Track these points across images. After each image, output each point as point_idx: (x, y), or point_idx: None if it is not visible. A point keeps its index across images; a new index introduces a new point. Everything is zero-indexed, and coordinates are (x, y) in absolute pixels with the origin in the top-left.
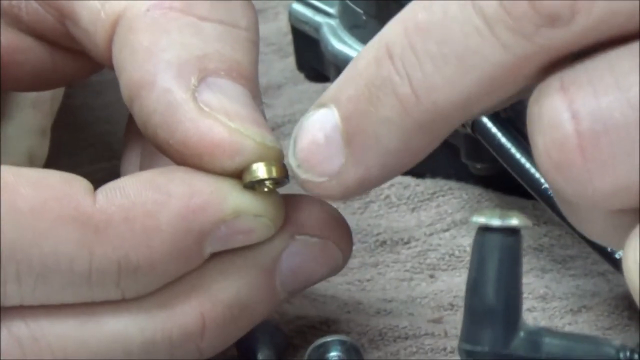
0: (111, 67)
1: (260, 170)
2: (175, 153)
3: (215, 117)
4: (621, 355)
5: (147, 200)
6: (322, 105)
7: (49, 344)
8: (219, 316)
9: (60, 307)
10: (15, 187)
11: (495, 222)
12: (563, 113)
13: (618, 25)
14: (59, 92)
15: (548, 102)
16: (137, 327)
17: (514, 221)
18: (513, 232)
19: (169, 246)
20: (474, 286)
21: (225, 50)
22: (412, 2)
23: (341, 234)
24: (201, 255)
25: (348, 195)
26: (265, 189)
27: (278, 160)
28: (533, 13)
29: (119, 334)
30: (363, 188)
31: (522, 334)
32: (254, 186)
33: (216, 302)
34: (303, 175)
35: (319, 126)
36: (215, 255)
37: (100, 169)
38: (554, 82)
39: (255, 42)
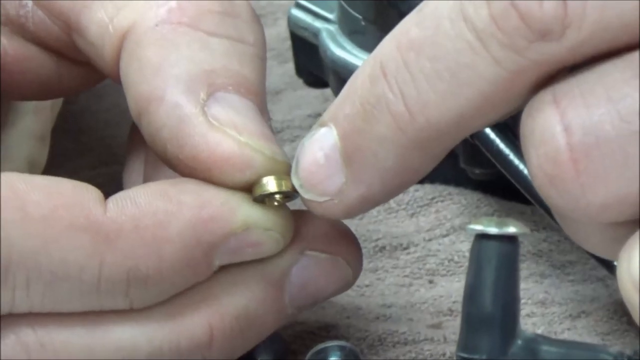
0: (118, 81)
1: (270, 184)
2: (184, 168)
3: (225, 131)
4: None
5: (157, 210)
6: (322, 124)
7: (55, 351)
8: (227, 328)
9: (68, 315)
10: (26, 195)
11: (493, 230)
12: (555, 126)
13: (609, 38)
14: (59, 99)
15: (540, 115)
16: (144, 337)
17: (511, 229)
18: (510, 239)
19: (179, 257)
20: (471, 294)
21: (233, 65)
22: (405, 18)
23: (351, 251)
24: (210, 267)
25: (350, 214)
26: (275, 203)
27: (288, 174)
28: (524, 28)
29: (126, 344)
30: (365, 206)
31: (519, 341)
32: (264, 200)
33: (224, 314)
34: (306, 194)
35: (319, 146)
36: (224, 268)
37: (101, 173)
38: (546, 96)
39: (262, 58)
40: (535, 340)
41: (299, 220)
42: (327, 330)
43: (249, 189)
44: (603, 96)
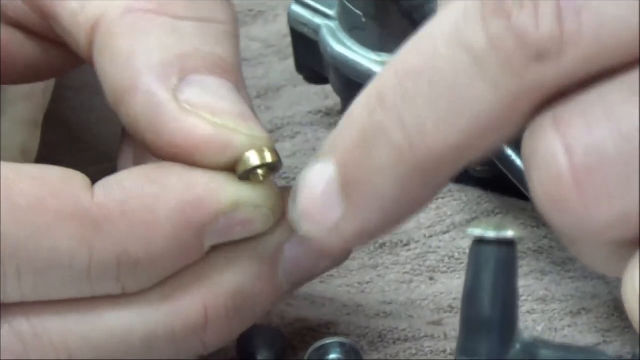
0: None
1: (253, 158)
2: (166, 155)
3: (199, 114)
4: None
5: (144, 193)
6: (321, 156)
7: (50, 339)
8: (222, 309)
9: (61, 302)
10: (14, 184)
11: (491, 233)
12: (556, 148)
13: (607, 57)
14: (50, 83)
15: (541, 138)
16: (139, 321)
17: (510, 233)
18: (508, 243)
19: (168, 239)
20: (469, 298)
21: (203, 46)
22: (403, 47)
23: None
24: (201, 248)
25: (349, 247)
26: (261, 177)
27: (268, 147)
28: (521, 49)
29: (121, 329)
30: (363, 239)
31: (518, 345)
32: (248, 176)
33: (218, 294)
34: (304, 226)
35: (318, 178)
36: (216, 248)
37: (93, 171)
38: (546, 118)
39: (234, 35)
40: (533, 344)
41: (287, 195)
42: (327, 327)
43: (234, 168)
44: (603, 116)
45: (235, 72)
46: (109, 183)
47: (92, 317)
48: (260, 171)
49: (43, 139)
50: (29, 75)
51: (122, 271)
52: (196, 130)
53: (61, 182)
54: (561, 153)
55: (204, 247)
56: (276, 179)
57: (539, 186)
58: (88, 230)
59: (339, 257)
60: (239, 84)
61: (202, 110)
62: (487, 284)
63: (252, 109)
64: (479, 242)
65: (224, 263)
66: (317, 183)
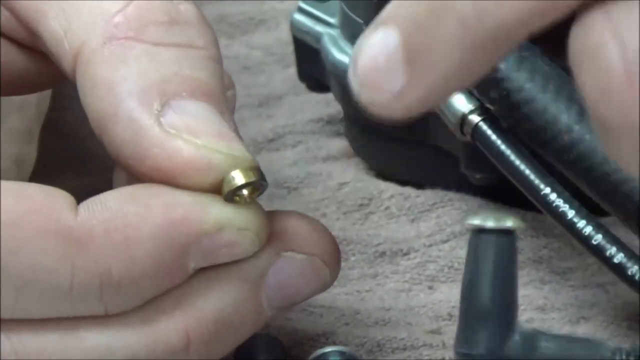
0: None
1: (237, 178)
2: (151, 180)
3: (182, 137)
4: (617, 357)
5: (128, 213)
6: (381, 24)
7: (29, 358)
8: (204, 332)
9: (42, 321)
10: None
11: (490, 223)
12: (609, 41)
13: None
14: (46, 95)
15: (593, 31)
16: (120, 342)
17: (509, 222)
18: (507, 233)
19: (152, 260)
20: (469, 288)
21: (183, 71)
22: None
23: (328, 251)
24: (185, 270)
25: (411, 113)
26: (247, 198)
27: (252, 167)
28: None
29: (101, 350)
30: (425, 105)
31: (517, 336)
32: (233, 198)
33: (201, 318)
34: (365, 94)
35: (379, 46)
36: (200, 271)
37: (85, 183)
38: (597, 11)
39: (214, 59)
40: (533, 335)
41: (274, 220)
42: (325, 337)
43: (219, 190)
44: None
45: (215, 94)
46: (93, 202)
47: (72, 337)
48: (245, 191)
49: (42, 149)
50: (21, 86)
51: (105, 291)
52: (180, 153)
53: (44, 199)
54: (613, 45)
55: (188, 269)
56: (278, 187)
57: (589, 78)
58: (70, 248)
59: (324, 282)
60: (222, 107)
61: (185, 133)
62: (487, 274)
63: (237, 131)
64: (479, 232)
65: (207, 286)
66: (380, 50)
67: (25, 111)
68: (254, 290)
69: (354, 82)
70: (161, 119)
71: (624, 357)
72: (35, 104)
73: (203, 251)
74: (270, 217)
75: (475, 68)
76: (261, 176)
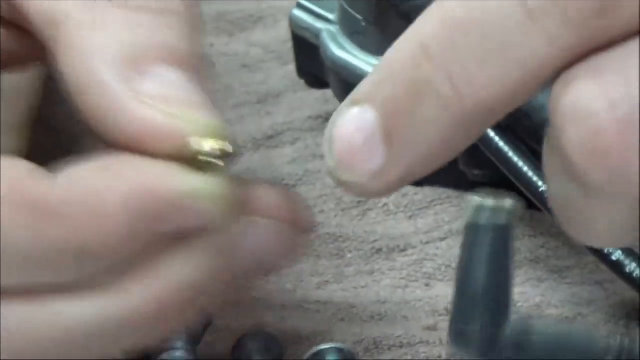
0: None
1: (205, 146)
2: (122, 148)
3: (153, 105)
4: (612, 340)
5: (96, 181)
6: (357, 102)
7: None
8: (175, 299)
9: (10, 292)
10: None
11: (489, 202)
12: (598, 101)
13: None
14: (37, 89)
15: (580, 90)
16: (90, 312)
17: (507, 202)
18: (505, 213)
19: (121, 229)
20: (465, 267)
21: (159, 38)
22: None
23: (299, 216)
24: (155, 239)
25: (390, 192)
26: (217, 166)
27: (222, 135)
28: (586, 4)
29: (71, 319)
30: (404, 183)
31: (512, 316)
32: (202, 166)
33: (173, 286)
34: (343, 177)
35: (356, 126)
36: (171, 239)
37: None
38: (583, 70)
39: (192, 25)
40: (528, 319)
41: (244, 187)
42: (322, 334)
43: (189, 160)
44: None
45: (191, 61)
46: (61, 172)
47: (42, 307)
48: (214, 160)
49: (33, 145)
50: (6, 62)
51: (74, 260)
52: (150, 121)
53: (9, 169)
54: (603, 104)
55: (157, 237)
56: (276, 185)
57: (577, 139)
58: (40, 218)
59: (296, 248)
60: (195, 72)
61: (156, 101)
62: (483, 254)
63: (211, 98)
64: (477, 211)
65: (178, 255)
66: (357, 130)
67: (10, 103)
68: (225, 256)
69: (330, 161)
70: (135, 86)
71: (618, 339)
72: (24, 95)
73: (173, 220)
74: (240, 184)
75: (456, 145)
76: (232, 144)
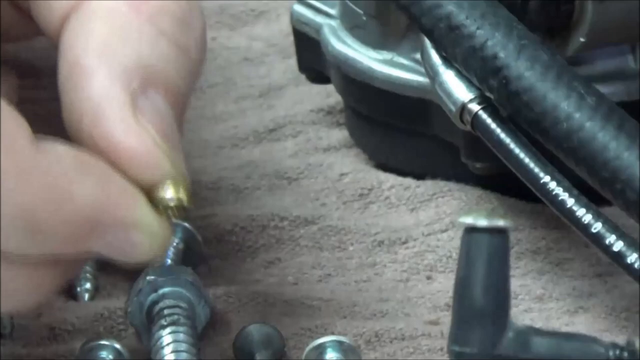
0: (54, 41)
1: (167, 193)
2: (92, 148)
3: (146, 128)
4: (611, 353)
5: (70, 167)
6: None
7: None
8: None
9: None
10: None
11: (482, 222)
12: None
13: None
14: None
15: None
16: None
17: (501, 221)
18: (500, 231)
19: (72, 219)
20: (462, 287)
21: (170, 71)
22: None
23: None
24: (85, 246)
25: None
26: (169, 213)
27: (186, 187)
28: None
29: None
30: None
31: (510, 334)
32: (159, 206)
33: None
34: None
35: None
36: None
37: None
38: None
39: (196, 74)
40: (526, 332)
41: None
42: (324, 327)
43: (147, 192)
44: None
45: (183, 106)
46: (47, 141)
47: None
48: (172, 205)
49: None
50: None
51: (21, 228)
52: (138, 142)
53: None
54: None
55: (88, 247)
56: (278, 178)
57: None
58: (21, 173)
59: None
60: (181, 120)
61: (150, 126)
62: (479, 272)
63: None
64: (471, 231)
65: None
66: None
67: None
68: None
69: None
70: (136, 101)
71: (617, 353)
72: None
73: (110, 238)
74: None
75: None
76: (190, 200)
